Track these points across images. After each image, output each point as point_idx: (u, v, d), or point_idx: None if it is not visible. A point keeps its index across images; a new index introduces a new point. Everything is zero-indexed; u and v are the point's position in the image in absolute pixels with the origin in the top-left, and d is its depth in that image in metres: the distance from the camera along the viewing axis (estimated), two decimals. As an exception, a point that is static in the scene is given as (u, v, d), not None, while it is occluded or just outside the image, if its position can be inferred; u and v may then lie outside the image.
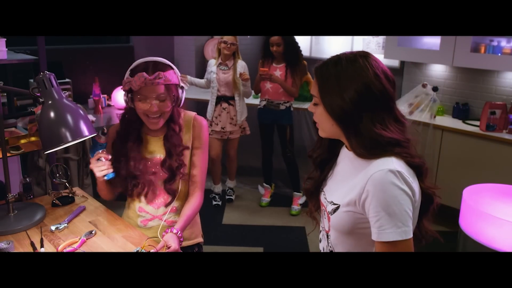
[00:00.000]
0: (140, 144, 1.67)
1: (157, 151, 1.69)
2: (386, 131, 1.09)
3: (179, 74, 1.65)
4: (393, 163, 1.07)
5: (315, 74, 1.17)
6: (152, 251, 1.42)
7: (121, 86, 1.60)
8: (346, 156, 1.22)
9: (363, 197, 1.09)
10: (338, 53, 1.16)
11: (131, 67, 1.59)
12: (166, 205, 1.70)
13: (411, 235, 1.06)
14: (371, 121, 1.09)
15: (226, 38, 3.44)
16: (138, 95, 1.55)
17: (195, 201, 1.69)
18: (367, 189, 1.07)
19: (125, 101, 1.62)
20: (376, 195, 1.05)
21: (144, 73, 1.51)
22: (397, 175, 1.05)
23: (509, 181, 2.43)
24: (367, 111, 1.09)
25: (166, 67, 1.58)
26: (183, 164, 1.67)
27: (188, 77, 3.72)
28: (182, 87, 1.65)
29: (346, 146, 1.22)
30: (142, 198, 1.70)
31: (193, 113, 1.74)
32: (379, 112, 1.10)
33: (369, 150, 1.11)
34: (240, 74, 3.48)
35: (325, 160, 1.30)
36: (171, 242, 1.46)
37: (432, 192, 1.14)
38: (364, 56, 1.13)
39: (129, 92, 1.58)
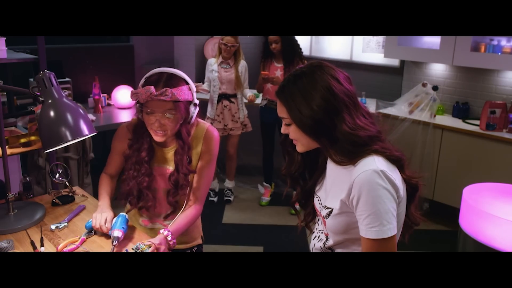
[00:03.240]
0: (151, 154, 1.64)
1: (166, 162, 1.66)
2: (360, 130, 1.14)
3: (194, 90, 1.59)
4: (376, 163, 1.11)
5: (278, 98, 1.21)
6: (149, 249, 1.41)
7: (129, 94, 1.57)
8: (332, 161, 1.25)
9: (351, 198, 1.13)
10: (293, 71, 1.21)
11: (147, 75, 1.55)
12: (166, 217, 1.69)
13: (395, 232, 1.11)
14: (344, 123, 1.13)
15: (226, 40, 3.44)
16: (146, 109, 1.52)
17: (191, 211, 1.65)
18: (353, 190, 1.12)
19: (136, 108, 1.59)
20: (363, 196, 1.10)
21: (152, 87, 1.45)
22: (381, 174, 1.09)
23: (509, 180, 2.43)
24: (337, 114, 1.14)
25: (179, 82, 1.52)
26: (188, 185, 1.64)
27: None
28: (195, 104, 1.60)
29: None
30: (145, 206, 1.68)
31: (207, 124, 1.69)
32: (347, 111, 1.14)
33: (348, 154, 1.15)
34: (249, 97, 3.59)
35: (304, 171, 1.34)
36: (161, 246, 1.45)
37: (415, 181, 1.20)
38: (318, 66, 1.18)
39: (137, 102, 1.56)
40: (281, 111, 1.20)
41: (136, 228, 1.64)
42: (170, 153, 1.65)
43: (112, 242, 1.42)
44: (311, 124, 1.14)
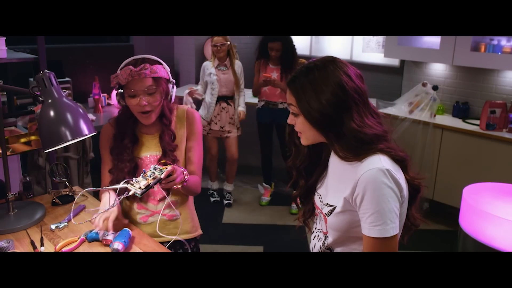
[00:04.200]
0: (136, 144, 1.70)
1: (153, 149, 1.71)
2: (367, 128, 1.14)
3: (169, 70, 1.68)
4: (381, 162, 1.11)
5: (289, 87, 1.20)
6: (164, 168, 1.44)
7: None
8: (335, 157, 1.24)
9: (355, 196, 1.13)
10: (306, 63, 1.21)
11: (121, 65, 1.63)
12: (161, 200, 1.71)
13: (397, 231, 1.11)
14: (352, 120, 1.13)
15: (215, 40, 3.44)
16: (128, 91, 1.59)
17: (194, 176, 1.70)
18: (358, 188, 1.12)
19: (118, 100, 1.67)
20: (367, 194, 1.10)
21: (131, 66, 1.55)
22: (386, 173, 1.09)
23: (509, 180, 2.43)
24: (346, 111, 1.14)
25: (153, 62, 1.62)
26: (176, 160, 1.69)
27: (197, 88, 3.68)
28: (172, 83, 1.68)
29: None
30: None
31: (186, 107, 1.78)
32: (357, 109, 1.14)
33: (354, 151, 1.14)
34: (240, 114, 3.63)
35: (309, 165, 1.34)
36: (179, 168, 1.50)
37: (418, 182, 1.20)
38: (331, 60, 1.18)
39: (119, 88, 1.63)
40: (290, 99, 1.20)
41: (134, 227, 1.64)
42: (155, 139, 1.71)
43: None
44: (319, 118, 1.14)
